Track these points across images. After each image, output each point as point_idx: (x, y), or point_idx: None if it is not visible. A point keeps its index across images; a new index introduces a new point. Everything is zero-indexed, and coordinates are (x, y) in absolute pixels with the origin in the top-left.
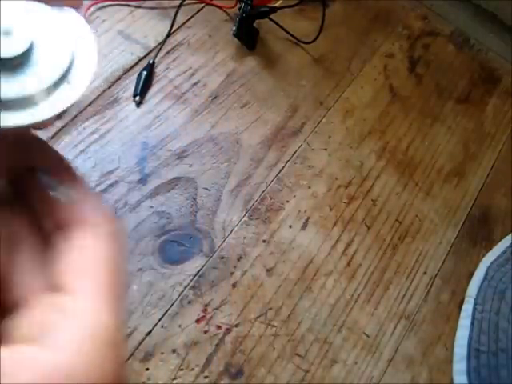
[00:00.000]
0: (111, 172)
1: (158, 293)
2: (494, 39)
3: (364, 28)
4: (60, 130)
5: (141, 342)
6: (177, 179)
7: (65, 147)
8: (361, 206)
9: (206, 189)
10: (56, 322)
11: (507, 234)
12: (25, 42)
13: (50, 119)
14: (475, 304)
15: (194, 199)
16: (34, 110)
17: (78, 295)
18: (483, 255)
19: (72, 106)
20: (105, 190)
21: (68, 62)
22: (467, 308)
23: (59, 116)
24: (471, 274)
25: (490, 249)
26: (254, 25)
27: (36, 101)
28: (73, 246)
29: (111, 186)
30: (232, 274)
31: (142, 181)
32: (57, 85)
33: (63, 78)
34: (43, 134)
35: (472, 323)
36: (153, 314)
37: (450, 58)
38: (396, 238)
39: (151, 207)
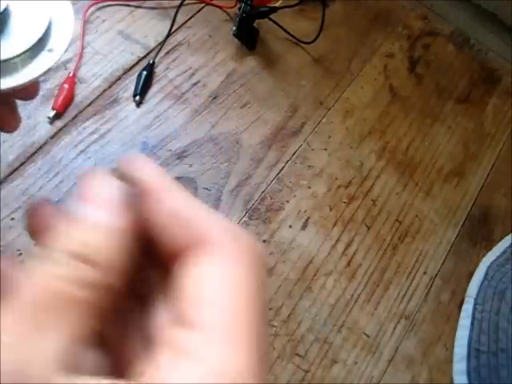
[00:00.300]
0: None
1: None
2: (494, 39)
3: (364, 28)
4: (60, 130)
5: None
6: (177, 179)
7: (65, 147)
8: (361, 205)
9: (206, 189)
10: (176, 362)
11: (507, 234)
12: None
13: (30, 83)
14: (475, 304)
15: None
16: (14, 75)
17: (207, 331)
18: (483, 255)
19: (49, 70)
20: None
21: (43, 28)
22: (467, 308)
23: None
24: (471, 274)
25: (490, 249)
26: (254, 25)
27: (14, 66)
28: (200, 272)
29: None
30: None
31: None
32: (35, 51)
33: (41, 43)
34: (43, 134)
35: (472, 323)
36: None
37: (450, 58)
38: (396, 237)
39: None
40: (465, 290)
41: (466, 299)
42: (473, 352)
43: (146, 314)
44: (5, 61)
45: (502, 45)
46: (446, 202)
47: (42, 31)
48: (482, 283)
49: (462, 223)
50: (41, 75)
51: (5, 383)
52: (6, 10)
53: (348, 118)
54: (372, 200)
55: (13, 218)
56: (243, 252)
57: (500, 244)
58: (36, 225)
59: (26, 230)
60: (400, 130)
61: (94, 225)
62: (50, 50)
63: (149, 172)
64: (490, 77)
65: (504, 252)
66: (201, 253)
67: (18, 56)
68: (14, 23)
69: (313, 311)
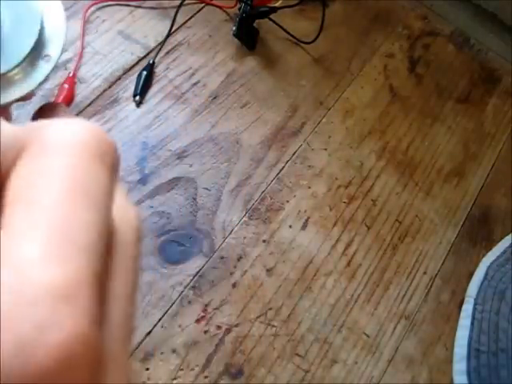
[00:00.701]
0: None
1: (157, 293)
2: (494, 39)
3: (364, 28)
4: None
5: (141, 342)
6: (177, 179)
7: None
8: (361, 205)
9: (206, 189)
10: None
11: (507, 234)
12: None
13: (28, 93)
14: (475, 304)
15: (194, 199)
16: (12, 87)
17: (6, 228)
18: (483, 255)
19: (47, 77)
20: None
21: (36, 33)
22: (467, 308)
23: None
24: (471, 274)
25: (490, 249)
26: (254, 25)
27: (11, 78)
28: (18, 171)
29: None
30: (232, 274)
31: (142, 181)
32: (30, 59)
33: (35, 51)
34: None
35: (472, 323)
36: (153, 314)
37: (450, 58)
38: (396, 237)
39: (151, 207)
40: (465, 290)
41: (466, 299)
42: (473, 352)
43: None
44: (1, 75)
45: (502, 45)
46: (446, 202)
47: (35, 37)
48: (481, 283)
49: (461, 223)
50: (39, 84)
51: None
52: None
53: (348, 118)
54: (372, 200)
55: None
56: (52, 142)
57: (500, 244)
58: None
59: None
60: (400, 129)
61: None
62: (45, 56)
63: None
64: (490, 77)
65: (504, 252)
66: (27, 155)
67: (13, 69)
68: (3, 31)
69: (313, 311)
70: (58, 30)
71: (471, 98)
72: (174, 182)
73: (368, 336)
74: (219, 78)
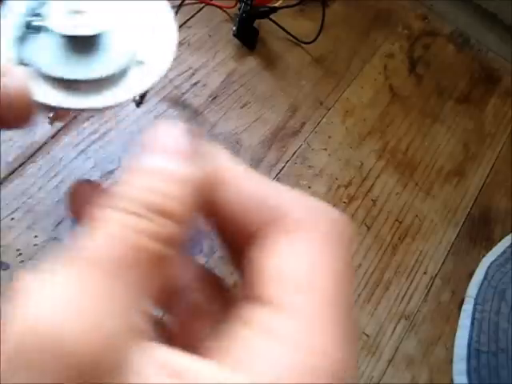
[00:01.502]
0: (111, 172)
1: None
2: (494, 39)
3: (364, 28)
4: (60, 130)
5: None
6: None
7: (65, 147)
8: (361, 205)
9: None
10: (256, 342)
11: (507, 234)
12: (98, 23)
13: (126, 102)
14: (475, 304)
15: None
16: (108, 93)
17: (290, 313)
18: (483, 255)
19: (148, 90)
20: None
21: (142, 47)
22: (467, 308)
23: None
24: (471, 274)
25: (490, 249)
26: (254, 25)
27: (108, 84)
28: (281, 251)
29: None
30: (232, 274)
31: None
32: (131, 69)
33: (137, 62)
34: (43, 134)
35: (472, 323)
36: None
37: (450, 58)
38: (396, 237)
39: None
40: (465, 290)
41: (466, 299)
42: (473, 352)
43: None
44: (98, 79)
45: (502, 45)
46: (445, 202)
47: (139, 50)
48: (481, 283)
49: (461, 223)
50: (140, 95)
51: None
52: (105, 27)
53: (348, 118)
54: (372, 200)
55: (13, 218)
56: (329, 229)
57: (500, 244)
58: (80, 202)
59: (68, 211)
60: (400, 129)
61: (166, 174)
62: (145, 68)
63: (221, 157)
64: (490, 77)
65: (504, 252)
66: (282, 231)
67: (113, 74)
68: (111, 40)
69: None
70: (169, 42)
71: (471, 98)
72: None
73: (368, 336)
74: (219, 78)
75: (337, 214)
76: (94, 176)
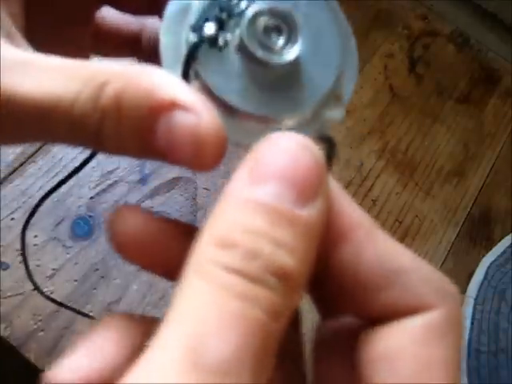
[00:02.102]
0: (111, 172)
1: (158, 293)
2: (494, 39)
3: (364, 28)
4: None
5: None
6: (177, 179)
7: (65, 147)
8: (361, 206)
9: (206, 189)
10: None
11: (507, 234)
12: (297, 45)
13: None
14: (475, 304)
15: (194, 199)
16: (297, 127)
17: None
18: (483, 255)
19: (338, 123)
20: (105, 190)
21: (336, 75)
22: (467, 308)
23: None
24: (471, 274)
25: (490, 249)
26: None
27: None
28: (416, 343)
29: (111, 185)
30: None
31: (142, 181)
32: (325, 101)
33: (331, 93)
34: None
35: (472, 323)
36: (153, 314)
37: (450, 58)
38: (396, 238)
39: (151, 207)
40: (465, 290)
41: (466, 299)
42: (473, 352)
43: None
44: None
45: (502, 45)
46: (445, 202)
47: (336, 70)
48: (481, 283)
49: (461, 223)
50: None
51: None
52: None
53: (348, 118)
54: (372, 200)
55: (13, 218)
56: (453, 316)
57: (500, 244)
58: (126, 234)
59: (113, 245)
60: (400, 129)
61: (286, 214)
62: (337, 96)
63: (341, 199)
64: (490, 77)
65: (504, 252)
66: (408, 318)
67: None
68: (304, 65)
69: (313, 311)
70: (351, 61)
71: (471, 98)
72: (173, 182)
73: None
74: None
75: (456, 294)
76: (94, 176)
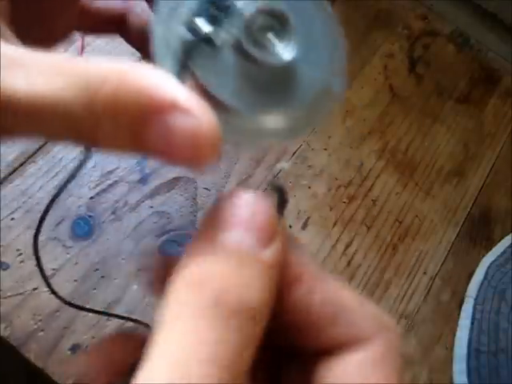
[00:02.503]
0: (111, 172)
1: None
2: (494, 39)
3: (364, 28)
4: None
5: None
6: (177, 179)
7: (65, 147)
8: (361, 205)
9: (206, 189)
10: None
11: (507, 234)
12: (292, 45)
13: (304, 134)
14: (475, 304)
15: (194, 199)
16: (291, 126)
17: None
18: (483, 255)
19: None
20: (105, 190)
21: (327, 73)
22: (467, 308)
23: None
24: (471, 274)
25: (490, 249)
26: None
27: (294, 119)
28: (351, 373)
29: (111, 185)
30: None
31: (142, 181)
32: (318, 98)
33: (326, 90)
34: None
35: (472, 323)
36: (153, 314)
37: (450, 58)
38: (396, 238)
39: (151, 207)
40: (465, 290)
41: (466, 299)
42: (473, 352)
43: None
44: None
45: (502, 45)
46: (445, 202)
47: (329, 68)
48: (481, 283)
49: (461, 223)
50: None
51: None
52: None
53: (348, 118)
54: (372, 200)
55: (13, 218)
56: (391, 346)
57: (500, 244)
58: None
59: (147, 289)
60: (400, 129)
61: (247, 257)
62: (328, 91)
63: (300, 258)
64: (490, 77)
65: (504, 252)
66: (352, 350)
67: (297, 109)
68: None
69: None
70: (341, 60)
71: (471, 98)
72: (173, 182)
73: None
74: None
75: (393, 325)
76: (94, 176)
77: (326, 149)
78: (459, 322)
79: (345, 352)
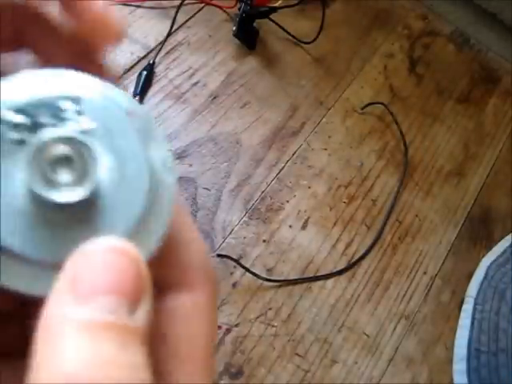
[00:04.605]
0: None
1: None
2: (494, 39)
3: (364, 28)
4: None
5: None
6: (177, 179)
7: None
8: (361, 205)
9: (206, 189)
10: None
11: (507, 234)
12: (90, 181)
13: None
14: (475, 304)
15: (194, 199)
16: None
17: (190, 366)
18: (483, 255)
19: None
20: None
21: (142, 206)
22: (467, 308)
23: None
24: (471, 274)
25: (490, 249)
26: (254, 25)
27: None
28: (174, 321)
29: None
30: (232, 274)
31: None
32: (141, 224)
33: (139, 225)
34: None
35: (472, 323)
36: None
37: (450, 58)
38: (396, 238)
39: None
40: (465, 290)
41: (466, 299)
42: (473, 352)
43: None
44: None
45: (502, 45)
46: (445, 202)
47: (144, 192)
48: (481, 283)
49: (462, 223)
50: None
51: None
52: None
53: (348, 118)
54: (372, 200)
55: None
56: (212, 288)
57: (500, 244)
58: None
59: None
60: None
61: (108, 334)
62: (153, 214)
63: None
64: (490, 77)
65: (504, 252)
66: (176, 292)
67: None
68: (103, 197)
69: (313, 311)
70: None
71: (471, 97)
72: None
73: (368, 336)
74: (219, 78)
75: (216, 277)
76: None
77: (325, 149)
78: (459, 322)
79: (171, 295)
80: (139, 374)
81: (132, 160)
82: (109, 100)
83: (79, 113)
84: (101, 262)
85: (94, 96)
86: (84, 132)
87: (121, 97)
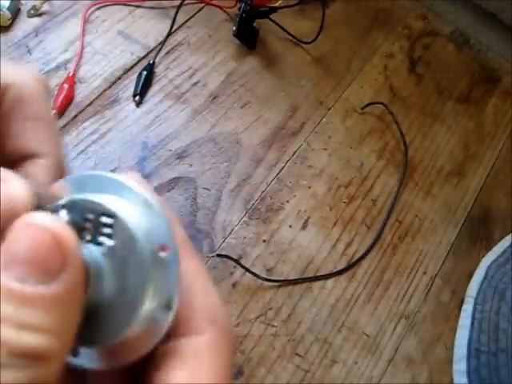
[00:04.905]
0: (111, 172)
1: None
2: (494, 39)
3: (364, 28)
4: (60, 130)
5: None
6: (177, 179)
7: (65, 147)
8: (361, 205)
9: (206, 189)
10: None
11: (507, 234)
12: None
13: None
14: (475, 304)
15: (194, 199)
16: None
17: None
18: (483, 255)
19: (167, 329)
20: None
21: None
22: (467, 308)
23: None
24: (471, 274)
25: (490, 249)
26: (254, 25)
27: (128, 341)
28: (184, 363)
29: None
30: (232, 274)
31: None
32: (149, 313)
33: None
34: None
35: (472, 323)
36: None
37: (450, 58)
38: (396, 237)
39: None
40: (465, 290)
41: (466, 299)
42: (473, 352)
43: None
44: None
45: (502, 45)
46: (445, 202)
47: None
48: (481, 283)
49: (462, 223)
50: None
51: None
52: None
53: (348, 118)
54: (372, 200)
55: None
56: (220, 338)
57: (500, 244)
58: None
59: None
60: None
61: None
62: (166, 301)
63: None
64: (490, 77)
65: (504, 252)
66: (187, 335)
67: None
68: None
69: (313, 311)
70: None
71: (471, 97)
72: (173, 182)
73: (368, 336)
74: (219, 78)
75: (226, 321)
76: None
77: (325, 149)
78: (459, 322)
79: (174, 342)
80: (32, 335)
81: (131, 292)
82: (140, 227)
83: (107, 226)
84: (24, 235)
85: (131, 219)
86: (99, 243)
87: (158, 228)
